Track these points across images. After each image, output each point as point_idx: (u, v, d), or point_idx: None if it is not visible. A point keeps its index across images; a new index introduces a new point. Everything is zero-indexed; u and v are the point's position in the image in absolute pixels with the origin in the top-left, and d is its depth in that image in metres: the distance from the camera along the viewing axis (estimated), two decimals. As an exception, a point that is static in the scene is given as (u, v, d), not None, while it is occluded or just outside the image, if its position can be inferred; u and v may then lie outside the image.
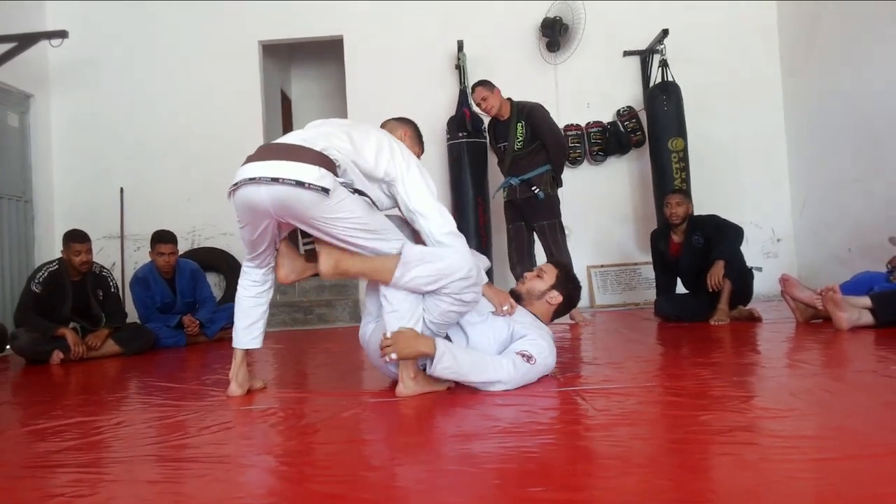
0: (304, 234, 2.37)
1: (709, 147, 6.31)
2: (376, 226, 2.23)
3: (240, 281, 2.53)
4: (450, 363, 2.22)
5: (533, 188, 4.65)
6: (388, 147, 2.33)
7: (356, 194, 2.19)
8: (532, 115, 4.69)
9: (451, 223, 2.34)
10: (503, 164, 4.86)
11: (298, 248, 2.47)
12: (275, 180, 2.05)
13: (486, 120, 6.02)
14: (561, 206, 4.81)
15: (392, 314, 2.29)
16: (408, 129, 2.69)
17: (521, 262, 4.84)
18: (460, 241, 2.33)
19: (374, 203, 2.28)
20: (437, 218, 2.31)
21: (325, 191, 2.04)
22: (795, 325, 3.80)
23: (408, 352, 2.22)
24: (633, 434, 1.69)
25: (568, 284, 2.71)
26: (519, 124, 4.69)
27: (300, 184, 2.03)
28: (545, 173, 4.69)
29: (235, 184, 2.15)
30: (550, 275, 2.69)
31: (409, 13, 6.57)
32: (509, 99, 4.81)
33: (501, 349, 2.42)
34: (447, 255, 2.26)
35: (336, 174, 2.12)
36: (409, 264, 2.22)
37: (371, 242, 2.23)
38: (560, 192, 4.84)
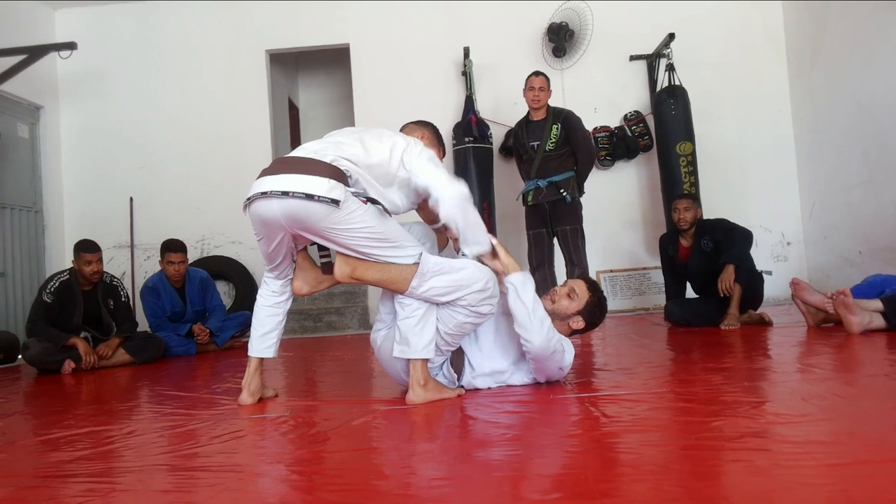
0: (321, 247, 2.39)
1: (717, 150, 6.30)
2: (390, 234, 2.23)
3: (259, 290, 2.56)
4: (531, 286, 2.34)
5: (561, 191, 4.66)
6: (404, 141, 2.35)
7: (369, 203, 2.20)
8: (569, 119, 4.75)
9: (465, 188, 2.31)
10: (530, 165, 4.83)
11: (316, 260, 2.48)
12: (285, 194, 2.09)
13: (493, 126, 6.07)
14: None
15: (406, 321, 2.29)
16: (425, 132, 2.66)
17: (541, 268, 4.84)
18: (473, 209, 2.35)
19: (388, 210, 2.29)
20: (448, 184, 2.27)
21: (335, 202, 2.06)
22: (806, 329, 3.78)
23: (505, 256, 2.39)
24: (645, 440, 1.68)
25: (595, 311, 2.57)
26: (555, 126, 4.72)
27: (310, 196, 2.06)
28: (571, 178, 4.71)
29: (249, 198, 2.18)
30: (582, 298, 2.53)
31: (416, 20, 6.59)
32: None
33: (514, 353, 2.43)
34: (465, 266, 2.27)
35: (347, 184, 2.14)
36: (426, 275, 2.22)
37: (385, 251, 2.23)
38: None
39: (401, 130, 2.69)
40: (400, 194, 2.33)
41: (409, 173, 2.29)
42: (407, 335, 2.29)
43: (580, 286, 2.57)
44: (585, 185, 4.90)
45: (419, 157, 2.30)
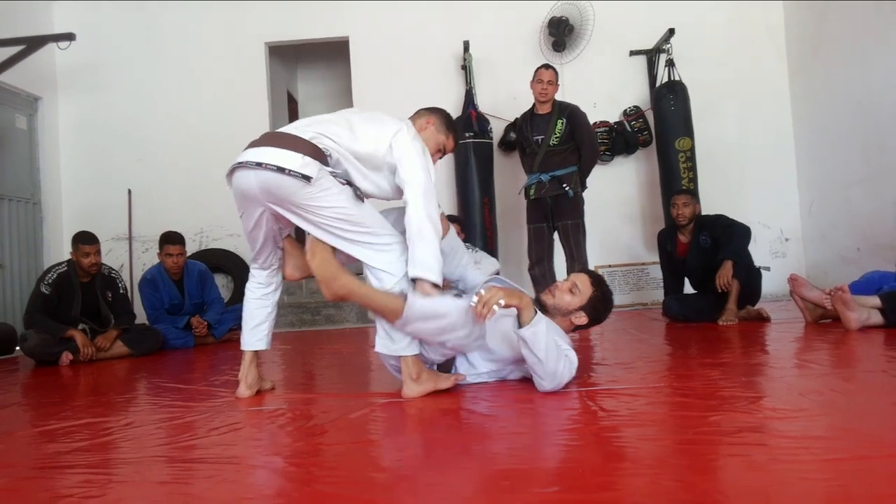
0: None
1: (716, 147, 6.30)
2: (363, 219, 2.24)
3: (247, 284, 2.57)
4: (542, 335, 2.10)
5: (564, 185, 4.64)
6: (396, 125, 2.33)
7: (348, 186, 2.22)
8: (575, 114, 4.68)
9: (434, 206, 2.27)
10: (533, 159, 4.77)
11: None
12: (259, 165, 2.13)
13: (492, 120, 6.06)
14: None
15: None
16: (432, 117, 2.58)
17: (540, 263, 4.81)
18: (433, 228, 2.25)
19: (374, 194, 2.32)
20: (422, 195, 2.24)
21: (307, 178, 2.09)
22: (804, 325, 3.78)
23: (512, 300, 2.08)
24: (642, 435, 1.68)
25: (599, 307, 2.48)
26: (560, 121, 4.66)
27: (281, 169, 2.09)
28: (574, 173, 4.67)
29: (231, 169, 2.23)
30: (585, 292, 2.45)
31: (415, 14, 6.57)
32: None
33: (511, 356, 2.37)
34: (450, 311, 2.20)
35: (326, 164, 2.18)
36: (410, 318, 2.18)
37: (358, 236, 2.24)
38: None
39: (410, 118, 2.65)
40: (390, 178, 2.31)
41: (394, 152, 2.26)
42: (390, 331, 2.28)
43: (583, 281, 2.49)
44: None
45: (406, 144, 2.28)
